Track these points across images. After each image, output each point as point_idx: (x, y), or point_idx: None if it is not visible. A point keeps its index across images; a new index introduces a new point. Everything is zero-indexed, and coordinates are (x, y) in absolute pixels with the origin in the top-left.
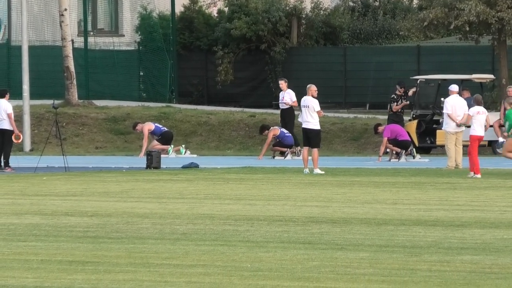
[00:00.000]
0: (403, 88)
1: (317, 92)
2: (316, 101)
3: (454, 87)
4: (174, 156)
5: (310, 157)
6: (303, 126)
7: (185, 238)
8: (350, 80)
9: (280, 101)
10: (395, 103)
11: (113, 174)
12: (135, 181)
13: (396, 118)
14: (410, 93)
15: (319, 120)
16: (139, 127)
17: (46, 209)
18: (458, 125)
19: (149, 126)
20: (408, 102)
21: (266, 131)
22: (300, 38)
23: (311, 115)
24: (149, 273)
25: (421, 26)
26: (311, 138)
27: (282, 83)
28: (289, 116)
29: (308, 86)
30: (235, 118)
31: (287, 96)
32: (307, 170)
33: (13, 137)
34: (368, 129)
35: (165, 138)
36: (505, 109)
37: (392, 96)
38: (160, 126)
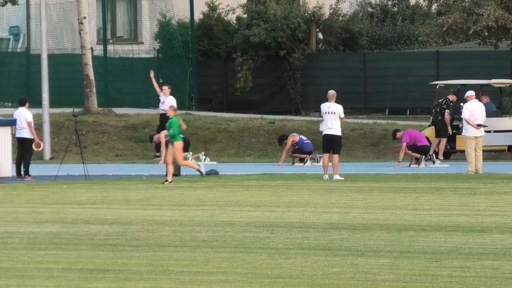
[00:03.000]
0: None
1: None
2: (341, 108)
3: (471, 93)
4: None
5: (330, 163)
6: (327, 132)
7: (205, 245)
8: (369, 85)
9: (162, 105)
10: (449, 111)
11: (133, 182)
12: (155, 188)
13: (443, 127)
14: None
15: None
16: (155, 138)
17: (67, 217)
18: (479, 125)
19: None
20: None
21: (285, 141)
22: (319, 44)
23: (336, 121)
24: (169, 281)
25: (440, 32)
26: (334, 144)
27: (166, 89)
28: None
29: (331, 92)
30: (254, 125)
31: (168, 102)
32: (326, 176)
33: (33, 146)
34: (388, 134)
35: None
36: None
37: (449, 102)
38: None
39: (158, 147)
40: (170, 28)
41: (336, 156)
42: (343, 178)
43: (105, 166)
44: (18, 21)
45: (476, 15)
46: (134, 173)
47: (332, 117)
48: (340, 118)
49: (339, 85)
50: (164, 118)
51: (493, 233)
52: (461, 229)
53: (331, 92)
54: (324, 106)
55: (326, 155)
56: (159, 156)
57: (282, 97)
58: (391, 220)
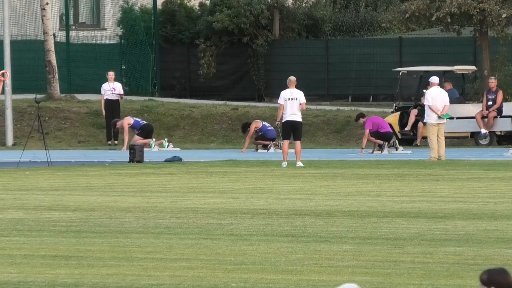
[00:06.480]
0: None
1: None
2: (303, 94)
3: (434, 79)
4: (157, 150)
5: (291, 150)
6: (289, 118)
7: (168, 232)
8: (333, 72)
9: (113, 92)
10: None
11: (96, 168)
12: (118, 175)
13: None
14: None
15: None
16: (118, 124)
17: (29, 203)
18: (439, 117)
19: (128, 120)
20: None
21: (249, 128)
22: (282, 31)
23: (298, 107)
24: (132, 267)
25: (403, 18)
26: (297, 130)
27: (112, 74)
28: (118, 107)
29: (292, 78)
30: (217, 111)
31: (118, 87)
32: (285, 163)
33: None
34: (351, 121)
35: (145, 131)
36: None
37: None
38: (139, 119)
39: (117, 133)
40: (132, 14)
41: (298, 143)
42: (304, 166)
43: (67, 152)
44: None
45: (439, 1)
46: (96, 160)
47: (294, 103)
48: (302, 104)
49: (302, 72)
50: (115, 104)
51: (455, 219)
52: (423, 216)
53: (292, 78)
54: (286, 92)
55: (286, 142)
56: (116, 143)
57: (245, 83)
58: (354, 206)
